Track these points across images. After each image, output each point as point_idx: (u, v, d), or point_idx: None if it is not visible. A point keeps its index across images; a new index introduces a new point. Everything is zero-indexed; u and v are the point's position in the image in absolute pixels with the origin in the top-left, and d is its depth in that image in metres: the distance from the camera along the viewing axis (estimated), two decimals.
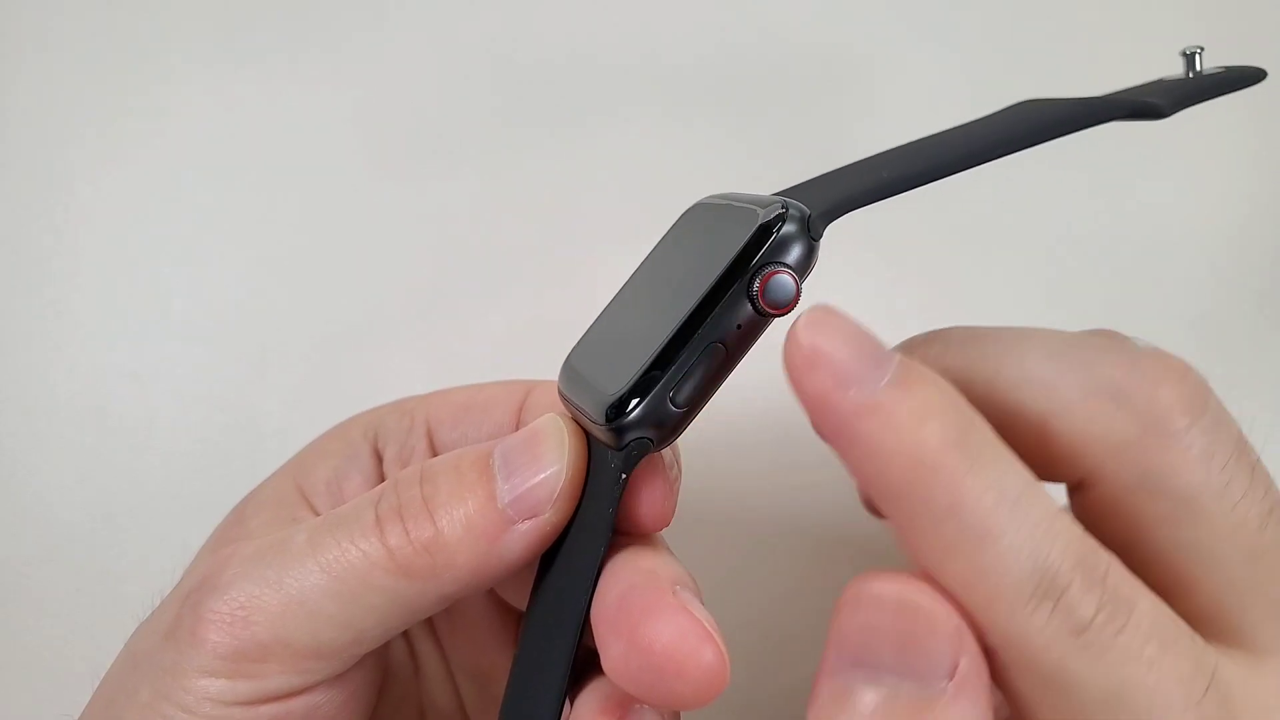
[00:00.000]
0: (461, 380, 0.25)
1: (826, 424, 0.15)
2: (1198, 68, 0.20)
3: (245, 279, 0.33)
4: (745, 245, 0.16)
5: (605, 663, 0.17)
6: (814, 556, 0.33)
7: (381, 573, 0.18)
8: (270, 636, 0.18)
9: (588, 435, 0.19)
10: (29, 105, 0.32)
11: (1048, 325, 0.18)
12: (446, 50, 0.34)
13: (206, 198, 0.33)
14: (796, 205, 0.17)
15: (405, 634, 0.24)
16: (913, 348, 0.18)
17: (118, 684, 0.19)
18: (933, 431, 0.15)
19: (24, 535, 0.32)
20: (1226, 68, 0.20)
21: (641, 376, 0.17)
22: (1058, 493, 0.16)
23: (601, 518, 0.18)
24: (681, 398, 0.17)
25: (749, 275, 0.16)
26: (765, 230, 0.16)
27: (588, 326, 0.20)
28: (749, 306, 0.16)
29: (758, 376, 0.19)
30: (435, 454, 0.23)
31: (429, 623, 0.24)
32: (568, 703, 0.18)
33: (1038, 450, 0.17)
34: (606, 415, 0.17)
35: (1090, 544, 0.15)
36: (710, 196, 0.20)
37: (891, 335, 0.17)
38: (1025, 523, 0.14)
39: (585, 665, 0.18)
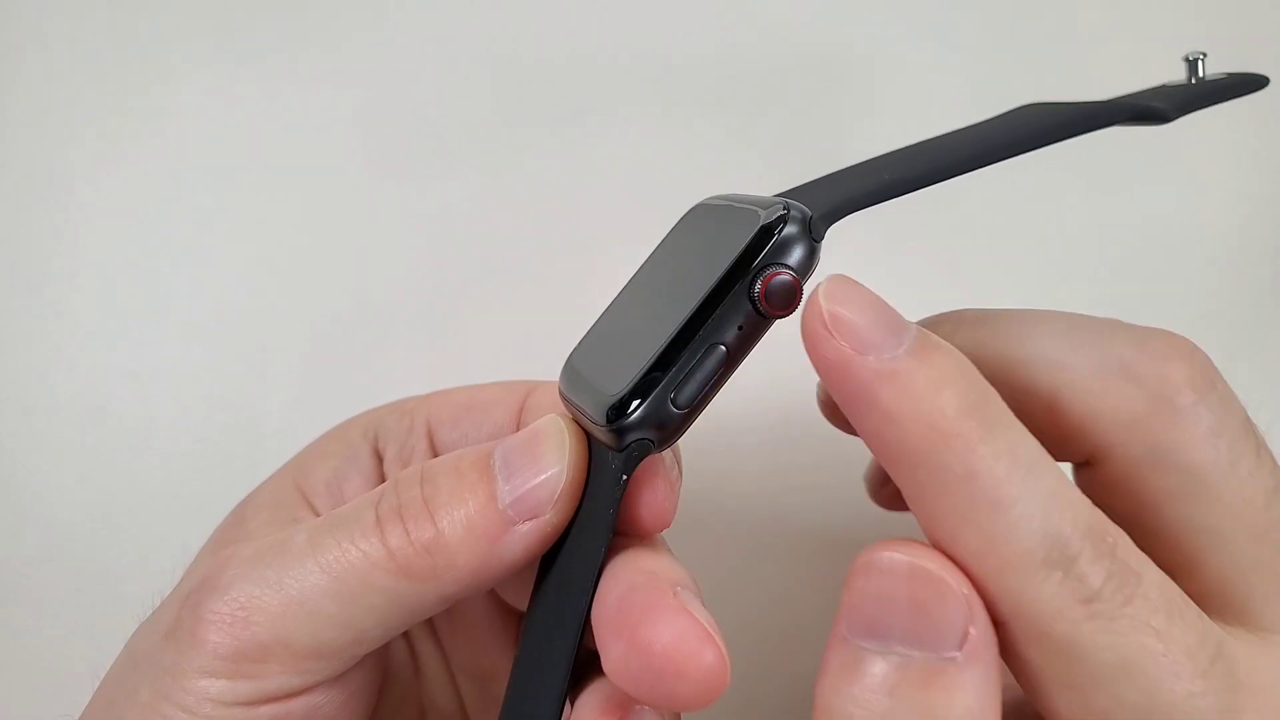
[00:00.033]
0: (462, 380, 0.25)
1: (844, 389, 0.15)
2: (1200, 73, 0.20)
3: (245, 279, 0.33)
4: (747, 246, 0.16)
5: (606, 664, 0.17)
6: (814, 557, 0.33)
7: (382, 573, 0.18)
8: (270, 637, 0.18)
9: (589, 436, 0.19)
10: (29, 105, 0.32)
11: None
12: (446, 50, 0.33)
13: (206, 198, 0.33)
14: (798, 206, 0.17)
15: (406, 634, 0.24)
16: (925, 327, 0.18)
17: (118, 684, 0.19)
18: (949, 399, 0.15)
19: (24, 535, 0.32)
20: (1229, 74, 0.20)
21: (643, 377, 0.17)
22: (1066, 473, 0.16)
23: (602, 519, 0.18)
24: (683, 399, 0.17)
25: (750, 276, 0.16)
26: (767, 231, 0.16)
27: (589, 327, 0.20)
28: (750, 308, 0.16)
29: (759, 378, 0.19)
30: (436, 455, 0.23)
31: (429, 623, 0.24)
32: (568, 704, 0.18)
33: (1048, 426, 0.17)
34: (607, 416, 0.17)
35: (1099, 515, 0.15)
36: (712, 197, 0.20)
37: None
38: (1037, 491, 0.15)
39: (586, 666, 0.18)
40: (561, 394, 0.19)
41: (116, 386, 0.32)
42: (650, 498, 0.18)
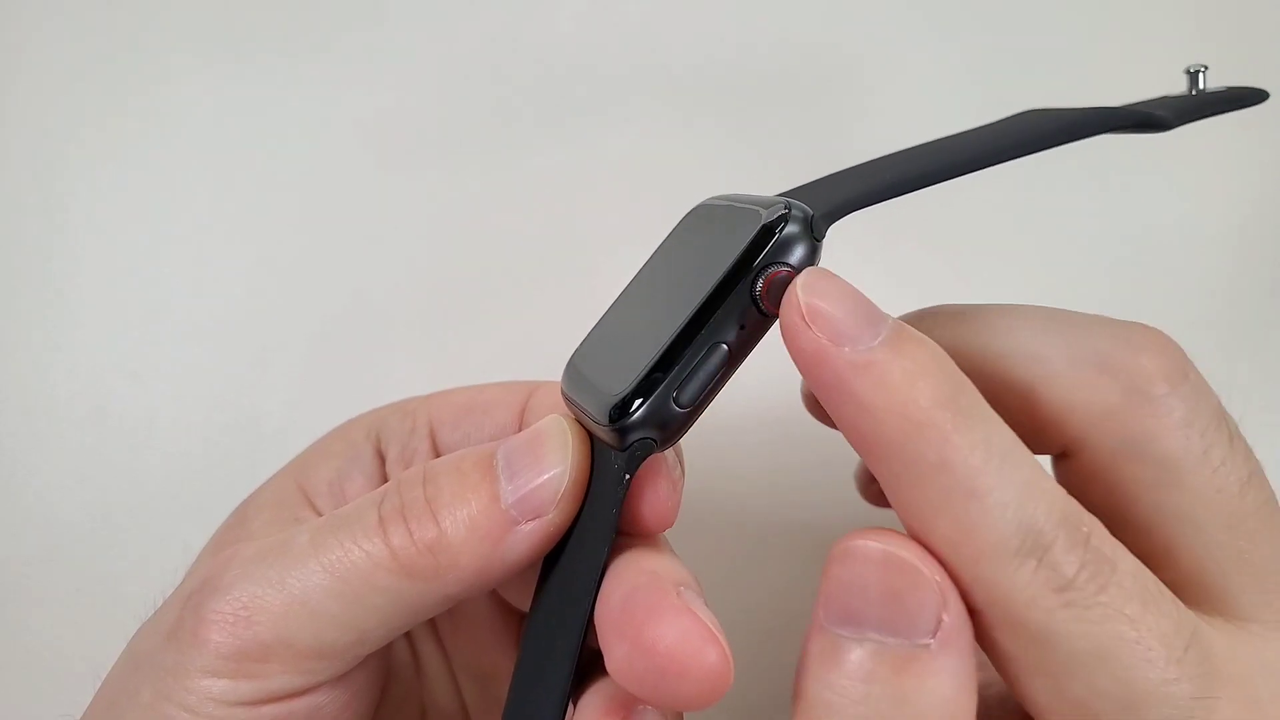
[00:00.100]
0: (463, 381, 0.25)
1: (820, 380, 0.15)
2: (1201, 86, 0.20)
3: (245, 279, 0.33)
4: (748, 246, 0.16)
5: (609, 664, 0.17)
6: (815, 556, 0.33)
7: (385, 573, 0.18)
8: (273, 637, 0.18)
9: (591, 436, 0.19)
10: (29, 105, 0.32)
11: None
12: (447, 50, 0.33)
13: (206, 197, 0.33)
14: (799, 206, 0.17)
15: (407, 634, 0.24)
16: (905, 322, 0.18)
17: (119, 685, 0.19)
18: (923, 390, 0.15)
19: (24, 535, 0.31)
20: (1229, 88, 0.20)
21: (645, 377, 0.17)
22: (1044, 466, 0.16)
23: (605, 519, 0.18)
24: (685, 398, 0.17)
25: (752, 276, 0.16)
26: (768, 231, 0.16)
27: (590, 327, 0.20)
28: (752, 307, 0.17)
29: (761, 377, 0.19)
30: (438, 455, 0.23)
31: (431, 623, 0.24)
32: (571, 704, 0.18)
33: (1024, 419, 0.17)
34: (610, 416, 0.17)
35: (1074, 505, 0.15)
36: (713, 197, 0.20)
37: None
38: (1012, 481, 0.15)
39: (589, 666, 0.18)
40: (564, 394, 0.19)
41: (116, 386, 0.32)
42: (653, 497, 0.18)
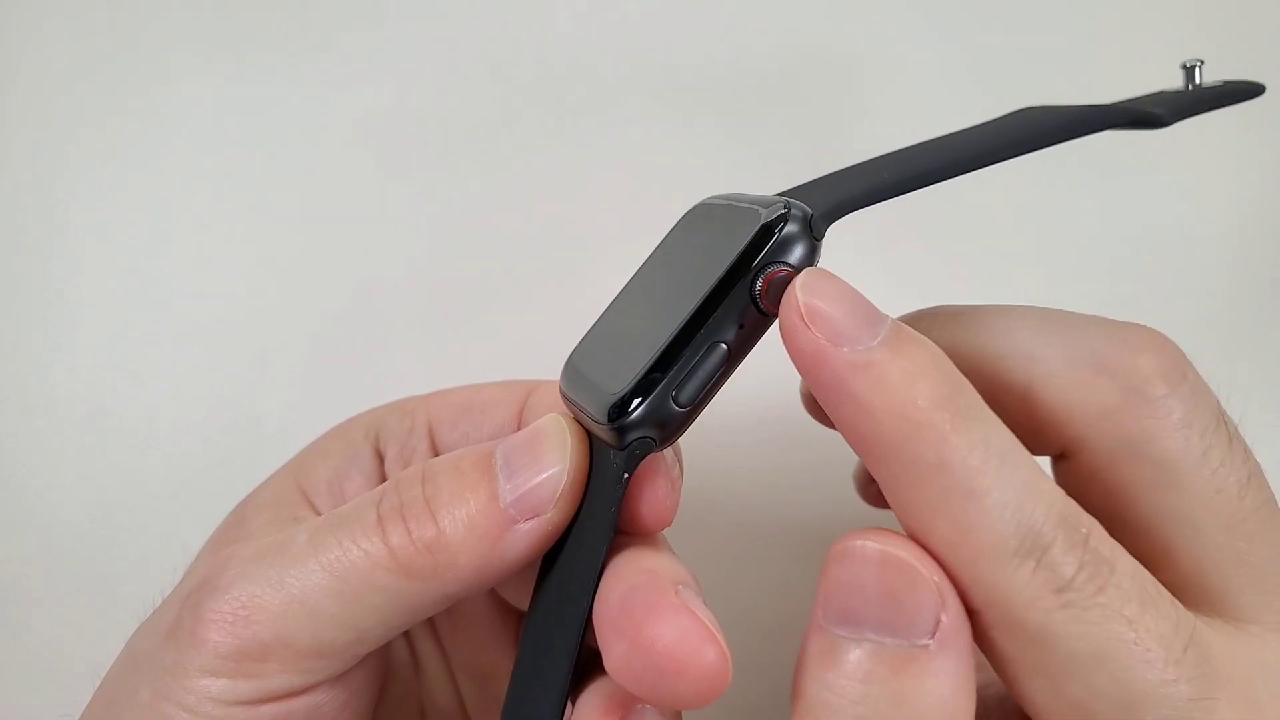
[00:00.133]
0: (463, 380, 0.25)
1: (819, 380, 0.15)
2: (1197, 80, 0.20)
3: (245, 279, 0.33)
4: (748, 245, 0.16)
5: (607, 663, 0.17)
6: (814, 556, 0.33)
7: (383, 572, 0.18)
8: (271, 636, 0.18)
9: (590, 435, 0.19)
10: (29, 105, 0.32)
11: None
12: (447, 50, 0.34)
13: (206, 197, 0.33)
14: (799, 205, 0.17)
15: (406, 633, 0.24)
16: (903, 323, 0.18)
17: (118, 684, 0.19)
18: (922, 391, 0.15)
19: (24, 535, 0.31)
20: (1225, 82, 0.20)
21: (644, 376, 0.17)
22: (1043, 467, 0.16)
23: (603, 517, 0.18)
24: (684, 397, 0.17)
25: (751, 275, 0.16)
26: (767, 230, 0.16)
27: (589, 326, 0.20)
28: (751, 306, 0.16)
29: (761, 377, 0.19)
30: (437, 454, 0.23)
31: (430, 622, 0.24)
32: (570, 702, 0.18)
33: (1022, 420, 0.17)
34: (609, 415, 0.17)
35: (1073, 505, 0.15)
36: (713, 196, 0.20)
37: None
38: (1010, 481, 0.15)
39: (587, 665, 0.18)
40: (562, 393, 0.19)
41: (116, 386, 0.32)
42: (651, 496, 0.18)
